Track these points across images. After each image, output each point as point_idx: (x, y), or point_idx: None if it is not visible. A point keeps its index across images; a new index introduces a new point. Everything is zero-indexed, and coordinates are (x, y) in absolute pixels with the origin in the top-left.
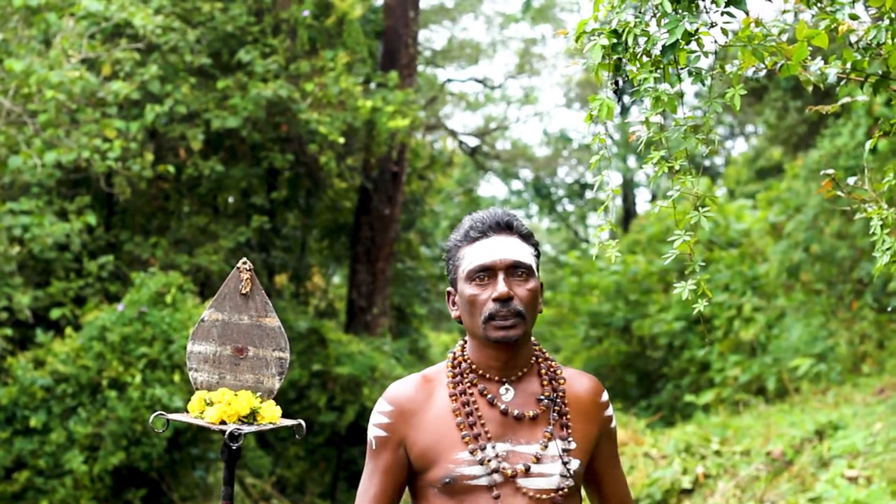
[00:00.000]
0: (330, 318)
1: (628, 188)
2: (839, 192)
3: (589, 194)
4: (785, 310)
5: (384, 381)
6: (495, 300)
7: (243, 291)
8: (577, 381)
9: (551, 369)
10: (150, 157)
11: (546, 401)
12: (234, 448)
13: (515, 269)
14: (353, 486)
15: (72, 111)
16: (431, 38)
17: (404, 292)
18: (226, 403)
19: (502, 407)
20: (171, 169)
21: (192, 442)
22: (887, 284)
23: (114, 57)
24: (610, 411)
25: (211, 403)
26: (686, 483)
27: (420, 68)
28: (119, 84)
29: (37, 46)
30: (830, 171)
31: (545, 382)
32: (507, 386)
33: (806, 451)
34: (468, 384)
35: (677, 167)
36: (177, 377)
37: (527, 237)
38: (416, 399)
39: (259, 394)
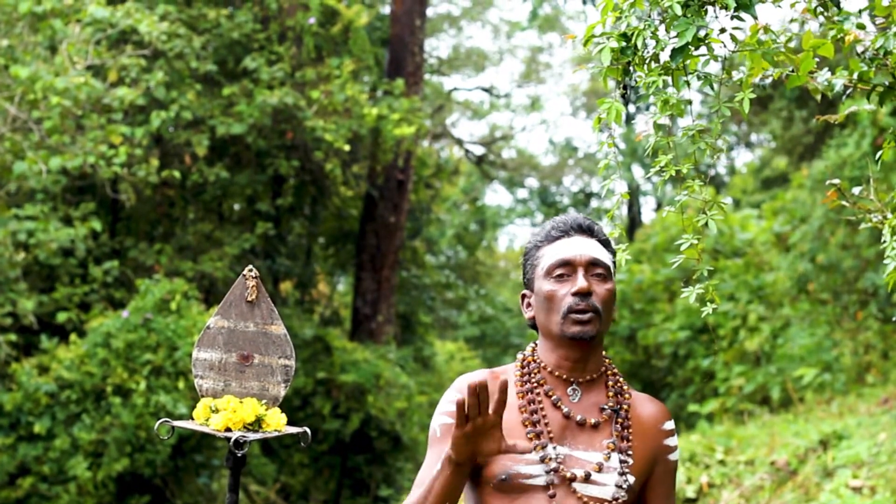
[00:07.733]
0: (335, 326)
1: (633, 197)
2: (844, 203)
3: (595, 203)
4: (790, 319)
5: (389, 389)
6: (575, 294)
7: (249, 299)
8: (643, 403)
9: (619, 383)
10: (155, 162)
11: (609, 410)
12: (239, 455)
13: (595, 267)
14: (357, 493)
15: (77, 117)
16: (438, 46)
17: (409, 300)
18: (231, 410)
19: (565, 410)
20: (177, 174)
21: (196, 449)
22: (892, 295)
23: (119, 63)
24: (671, 442)
25: (216, 410)
26: (690, 492)
27: (426, 77)
28: (125, 90)
29: (42, 53)
30: (836, 181)
31: (611, 394)
32: (574, 387)
33: (810, 460)
34: (535, 383)
35: (685, 171)
36: (181, 384)
37: (605, 244)
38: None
39: (264, 401)
